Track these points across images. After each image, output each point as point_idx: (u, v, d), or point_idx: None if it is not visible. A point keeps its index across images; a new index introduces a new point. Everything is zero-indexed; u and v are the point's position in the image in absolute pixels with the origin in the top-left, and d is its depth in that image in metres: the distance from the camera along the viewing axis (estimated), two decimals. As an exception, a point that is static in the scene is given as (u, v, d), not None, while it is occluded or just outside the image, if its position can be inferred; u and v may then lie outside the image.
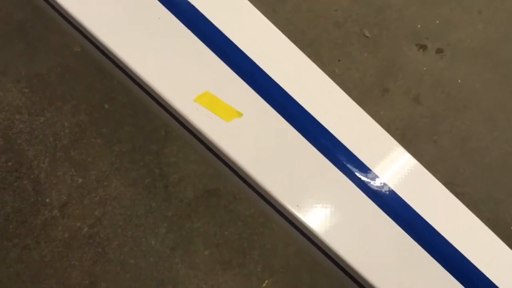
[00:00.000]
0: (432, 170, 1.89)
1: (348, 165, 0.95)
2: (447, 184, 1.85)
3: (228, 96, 0.95)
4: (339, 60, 2.11)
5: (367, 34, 2.18)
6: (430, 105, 2.04)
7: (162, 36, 1.00)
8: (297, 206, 0.88)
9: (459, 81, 2.10)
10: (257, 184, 0.89)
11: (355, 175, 0.94)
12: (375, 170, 0.96)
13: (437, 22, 2.22)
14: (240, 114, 0.93)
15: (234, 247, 1.74)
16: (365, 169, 0.94)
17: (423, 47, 2.17)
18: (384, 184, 0.95)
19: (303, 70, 1.04)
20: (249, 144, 0.92)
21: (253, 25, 1.07)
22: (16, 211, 1.72)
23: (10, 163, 1.79)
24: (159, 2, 1.01)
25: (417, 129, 1.99)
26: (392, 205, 0.94)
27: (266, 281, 1.70)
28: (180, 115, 0.92)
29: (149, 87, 0.95)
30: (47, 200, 1.75)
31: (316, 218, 0.89)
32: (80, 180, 1.79)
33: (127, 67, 0.96)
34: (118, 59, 0.96)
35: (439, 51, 2.16)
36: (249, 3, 1.07)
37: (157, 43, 0.99)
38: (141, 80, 0.95)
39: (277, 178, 0.90)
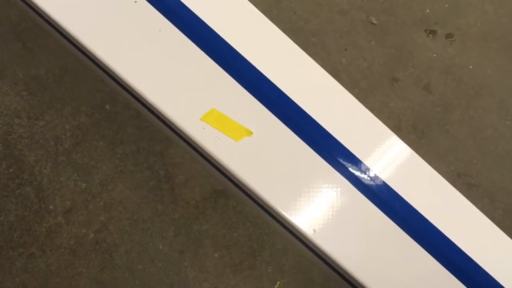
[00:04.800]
0: (445, 161, 1.86)
1: (361, 180, 0.89)
2: (460, 176, 1.85)
3: (236, 112, 0.89)
4: (345, 49, 2.04)
5: (374, 21, 2.10)
6: (441, 93, 1.98)
7: (162, 49, 0.93)
8: (314, 231, 0.83)
9: (471, 67, 2.03)
10: (270, 207, 0.84)
11: (369, 189, 0.89)
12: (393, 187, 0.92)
13: (446, 6, 2.15)
14: (250, 133, 0.87)
15: (244, 249, 1.69)
16: (386, 191, 0.89)
17: (433, 33, 2.09)
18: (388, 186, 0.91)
19: (314, 79, 0.98)
20: (261, 166, 0.86)
21: (259, 32, 1.00)
22: (20, 219, 1.68)
23: (11, 170, 1.74)
24: (159, 13, 0.94)
25: (428, 119, 1.93)
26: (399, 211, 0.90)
27: (278, 283, 1.67)
28: (186, 135, 0.87)
29: (152, 105, 0.89)
30: (51, 206, 1.70)
31: (336, 244, 0.84)
32: (84, 184, 1.74)
33: (126, 83, 0.90)
34: (117, 76, 0.90)
35: (449, 36, 2.09)
36: (254, 8, 1.00)
37: (158, 57, 0.93)
38: (143, 98, 0.89)
39: (292, 202, 0.85)
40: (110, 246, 1.67)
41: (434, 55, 2.05)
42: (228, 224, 1.72)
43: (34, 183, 1.73)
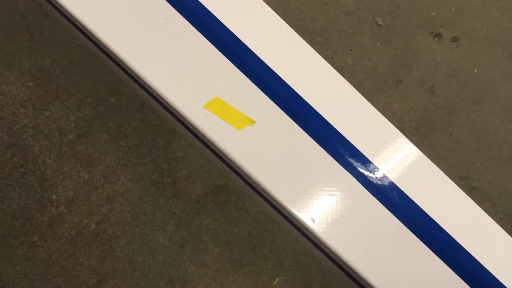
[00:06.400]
0: (447, 164, 1.87)
1: (363, 172, 0.90)
2: (462, 179, 1.85)
3: (239, 102, 0.90)
4: (351, 50, 2.05)
5: (380, 23, 2.11)
6: (445, 96, 1.98)
7: (168, 37, 0.95)
8: (312, 220, 0.84)
9: (475, 71, 2.04)
10: (270, 195, 0.85)
11: (371, 183, 0.89)
12: (397, 183, 0.92)
13: (452, 9, 2.15)
14: (252, 122, 0.88)
15: (244, 245, 1.70)
16: (389, 186, 0.90)
17: (438, 36, 2.10)
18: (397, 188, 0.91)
19: (318, 71, 0.99)
20: (262, 154, 0.87)
21: (264, 23, 1.01)
22: (22, 208, 1.69)
23: (15, 159, 1.75)
24: (166, 1, 0.95)
25: (432, 121, 1.93)
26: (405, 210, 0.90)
27: (277, 279, 1.67)
28: (189, 122, 0.88)
29: (156, 92, 0.90)
30: (54, 196, 1.71)
31: (334, 233, 0.84)
32: (87, 176, 1.75)
33: (132, 71, 0.91)
34: (123, 62, 0.91)
35: (455, 39, 2.09)
36: (262, 1, 1.01)
37: (163, 45, 0.94)
38: (148, 85, 0.90)
39: (292, 191, 0.85)
40: (111, 237, 1.68)
41: (439, 58, 2.05)
42: (229, 219, 1.73)
43: (38, 172, 1.74)
